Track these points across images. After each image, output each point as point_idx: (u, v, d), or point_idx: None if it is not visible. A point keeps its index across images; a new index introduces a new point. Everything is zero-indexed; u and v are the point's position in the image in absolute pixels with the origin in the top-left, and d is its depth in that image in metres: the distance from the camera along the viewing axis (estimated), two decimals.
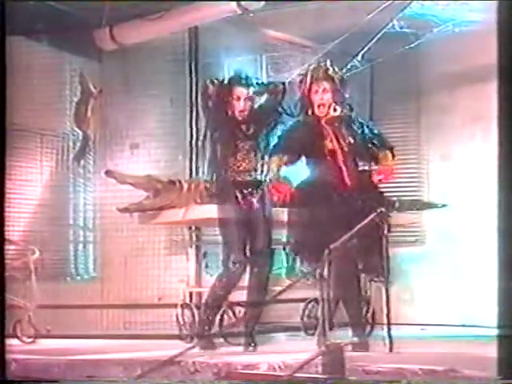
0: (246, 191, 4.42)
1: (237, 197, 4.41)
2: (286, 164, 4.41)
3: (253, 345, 4.39)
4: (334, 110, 4.42)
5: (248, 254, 4.40)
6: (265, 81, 4.90)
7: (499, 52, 3.25)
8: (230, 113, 4.46)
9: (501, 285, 3.29)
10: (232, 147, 4.43)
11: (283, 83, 4.63)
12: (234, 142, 4.44)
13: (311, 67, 4.51)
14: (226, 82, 4.50)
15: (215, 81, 4.51)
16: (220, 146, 4.47)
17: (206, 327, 4.46)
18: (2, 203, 3.90)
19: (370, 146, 4.44)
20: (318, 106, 4.41)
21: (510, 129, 3.24)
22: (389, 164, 4.46)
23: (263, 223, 4.42)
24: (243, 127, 4.46)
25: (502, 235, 3.29)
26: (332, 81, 4.41)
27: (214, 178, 4.53)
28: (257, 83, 4.53)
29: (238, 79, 4.48)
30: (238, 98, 4.43)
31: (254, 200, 4.41)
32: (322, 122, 4.42)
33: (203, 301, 4.59)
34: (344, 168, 4.33)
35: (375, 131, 4.53)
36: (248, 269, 4.43)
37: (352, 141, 4.38)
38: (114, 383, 3.82)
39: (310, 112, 4.43)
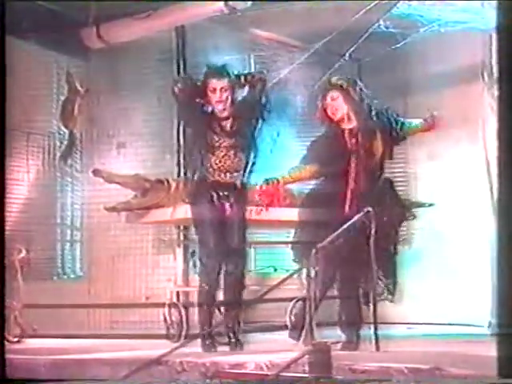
0: (221, 193, 4.38)
1: (212, 197, 4.38)
2: (316, 175, 4.35)
3: (238, 344, 4.39)
4: (351, 115, 4.35)
5: (222, 251, 4.38)
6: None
7: (499, 52, 3.27)
8: (207, 109, 4.40)
9: (500, 284, 3.31)
10: (209, 144, 4.38)
11: (262, 72, 4.57)
12: (212, 138, 4.38)
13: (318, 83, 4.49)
14: (200, 76, 4.45)
15: (180, 78, 4.52)
16: (196, 142, 4.43)
17: (205, 327, 4.43)
18: (2, 204, 3.88)
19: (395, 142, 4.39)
20: (333, 114, 4.37)
21: (509, 129, 3.27)
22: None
23: (238, 223, 4.39)
24: (223, 123, 4.40)
25: (501, 235, 3.31)
26: (340, 87, 4.36)
27: (191, 176, 4.49)
28: (235, 75, 4.44)
29: (212, 71, 4.42)
30: (214, 90, 4.37)
31: (228, 204, 4.36)
32: (346, 134, 4.37)
33: (197, 301, 4.56)
34: (349, 194, 4.27)
35: (404, 127, 4.44)
36: (223, 268, 4.42)
37: (373, 154, 4.31)
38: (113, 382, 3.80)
39: (330, 126, 4.38)
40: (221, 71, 4.41)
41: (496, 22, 3.35)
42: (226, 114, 4.42)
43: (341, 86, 4.37)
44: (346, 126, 4.39)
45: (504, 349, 3.21)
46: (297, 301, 4.90)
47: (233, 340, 4.38)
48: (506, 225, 3.26)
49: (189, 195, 4.56)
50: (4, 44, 3.85)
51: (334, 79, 4.42)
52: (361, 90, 4.41)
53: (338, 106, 4.37)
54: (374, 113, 4.40)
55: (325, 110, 4.40)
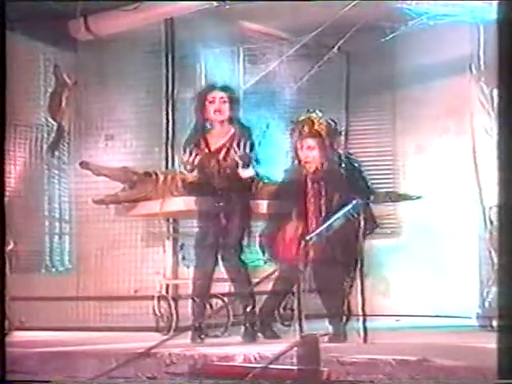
0: (219, 204, 4.41)
1: (208, 195, 4.44)
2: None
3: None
4: (322, 164, 4.32)
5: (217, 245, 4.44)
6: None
7: (499, 49, 3.29)
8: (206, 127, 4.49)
9: (500, 275, 3.33)
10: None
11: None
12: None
13: (300, 118, 4.38)
14: (200, 90, 4.65)
15: None
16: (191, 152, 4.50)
17: (197, 319, 4.46)
18: (2, 200, 3.86)
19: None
20: (305, 163, 4.33)
21: (509, 126, 3.30)
22: None
23: (237, 217, 4.43)
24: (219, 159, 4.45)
25: (502, 226, 3.33)
26: (319, 136, 4.30)
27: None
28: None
29: (212, 85, 4.61)
30: (213, 100, 4.50)
31: (223, 204, 4.40)
32: (308, 178, 4.33)
33: (191, 293, 4.57)
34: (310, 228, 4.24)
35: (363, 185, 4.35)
36: (220, 260, 4.46)
37: (332, 202, 4.26)
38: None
39: (297, 166, 4.35)
40: (221, 85, 4.57)
41: (497, 15, 3.37)
42: (220, 141, 4.47)
43: (320, 135, 4.30)
44: (312, 172, 4.35)
45: (504, 341, 3.23)
46: (285, 294, 4.92)
47: (249, 331, 4.41)
48: (506, 217, 3.28)
49: (183, 189, 4.60)
50: (4, 42, 3.83)
51: (316, 123, 4.32)
52: (338, 138, 4.38)
53: (313, 158, 4.33)
54: (343, 163, 4.35)
55: (296, 150, 4.35)
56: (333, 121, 4.44)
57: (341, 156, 4.38)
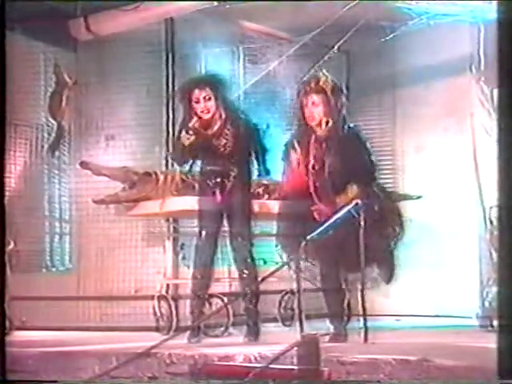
0: (214, 183, 4.40)
1: (205, 186, 4.44)
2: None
3: (256, 334, 4.41)
4: (327, 123, 4.31)
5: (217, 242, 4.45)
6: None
7: (499, 49, 3.30)
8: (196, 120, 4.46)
9: (500, 274, 3.34)
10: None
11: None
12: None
13: (306, 77, 4.42)
14: (184, 86, 4.56)
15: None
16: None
17: (195, 317, 4.46)
18: (2, 200, 3.86)
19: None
20: (309, 117, 4.32)
21: (509, 126, 3.31)
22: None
23: (236, 212, 4.42)
24: (215, 142, 4.44)
25: (503, 226, 3.33)
26: (324, 93, 4.30)
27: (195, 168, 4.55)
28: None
29: (194, 82, 4.52)
30: (198, 100, 4.44)
31: (221, 193, 4.39)
32: (312, 139, 4.32)
33: (191, 291, 4.58)
34: (315, 197, 4.26)
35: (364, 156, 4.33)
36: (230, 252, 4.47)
37: (333, 166, 4.25)
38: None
39: (302, 124, 4.34)
40: (201, 83, 4.47)
41: (497, 15, 3.38)
42: (214, 126, 4.45)
43: (325, 92, 4.31)
44: (317, 130, 4.34)
45: (504, 341, 3.23)
46: (286, 293, 4.94)
47: (252, 330, 4.40)
48: (507, 217, 3.28)
49: (178, 187, 4.59)
50: (4, 42, 3.84)
51: (322, 80, 4.34)
52: (342, 98, 4.39)
53: (317, 113, 4.32)
54: (346, 126, 4.35)
55: (301, 108, 4.36)
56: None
57: (345, 118, 4.37)
